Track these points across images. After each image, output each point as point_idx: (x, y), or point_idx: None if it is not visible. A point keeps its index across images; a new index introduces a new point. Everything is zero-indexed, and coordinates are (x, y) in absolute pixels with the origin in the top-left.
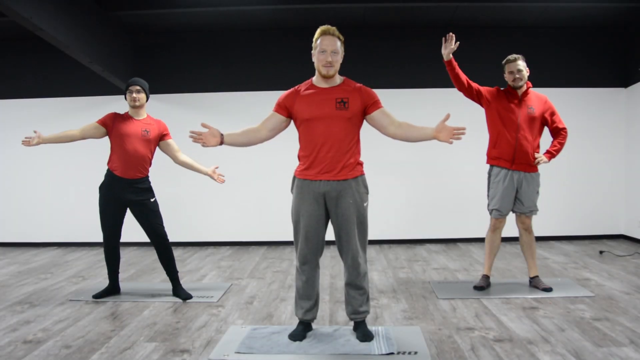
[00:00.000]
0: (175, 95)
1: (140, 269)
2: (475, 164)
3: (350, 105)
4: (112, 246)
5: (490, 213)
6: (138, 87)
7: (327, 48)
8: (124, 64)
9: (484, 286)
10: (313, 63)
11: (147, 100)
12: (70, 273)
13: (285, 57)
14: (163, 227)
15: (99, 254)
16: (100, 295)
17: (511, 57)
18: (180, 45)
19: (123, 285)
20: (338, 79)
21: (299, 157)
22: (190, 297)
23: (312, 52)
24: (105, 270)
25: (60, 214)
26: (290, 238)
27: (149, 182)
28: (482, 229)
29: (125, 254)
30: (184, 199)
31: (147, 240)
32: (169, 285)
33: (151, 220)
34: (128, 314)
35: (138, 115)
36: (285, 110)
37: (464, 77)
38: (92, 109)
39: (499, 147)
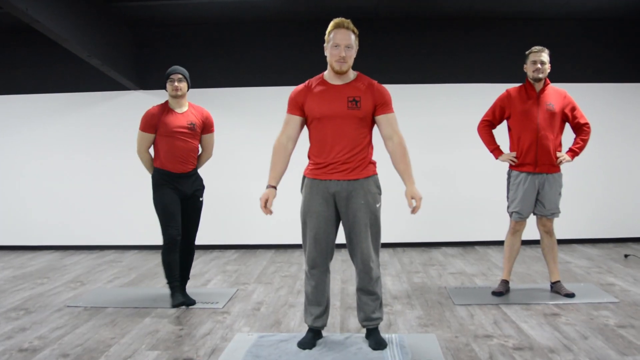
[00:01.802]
0: None
1: (142, 273)
2: (494, 163)
3: (363, 105)
4: (176, 241)
5: (510, 215)
6: (180, 76)
7: (340, 42)
8: (124, 58)
9: (503, 292)
10: (324, 57)
11: (188, 89)
12: (68, 278)
13: (294, 51)
14: (196, 232)
15: (99, 258)
16: (180, 303)
17: (536, 47)
18: (183, 38)
19: (122, 290)
20: (351, 75)
21: (309, 156)
22: (194, 302)
23: (325, 45)
24: (104, 275)
25: (58, 215)
26: (300, 241)
27: (201, 178)
28: (501, 231)
29: (125, 258)
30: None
31: (148, 243)
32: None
33: (193, 220)
34: (129, 321)
35: (180, 106)
36: (300, 109)
37: (492, 135)
38: (91, 105)
39: (520, 151)
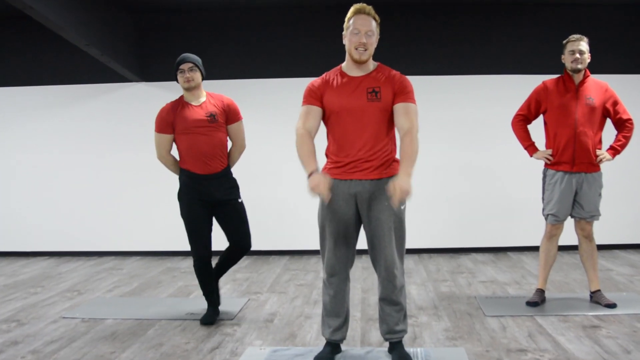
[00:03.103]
0: None
1: (144, 282)
2: (529, 161)
3: (383, 95)
4: (206, 260)
5: (546, 218)
6: (190, 64)
7: (361, 28)
8: (125, 48)
9: (538, 302)
10: (340, 47)
11: (203, 78)
12: (64, 287)
13: (310, 39)
14: (249, 237)
15: (97, 265)
16: (210, 321)
17: (575, 36)
18: (189, 25)
19: (123, 300)
20: (371, 65)
21: (327, 154)
22: (218, 304)
23: (344, 33)
24: (103, 284)
25: (53, 218)
26: (317, 246)
27: (234, 178)
28: (537, 236)
29: (126, 265)
30: None
31: (151, 249)
32: (177, 301)
33: (236, 224)
34: (130, 334)
35: (195, 98)
36: (319, 99)
37: (527, 130)
38: (89, 98)
39: (557, 149)
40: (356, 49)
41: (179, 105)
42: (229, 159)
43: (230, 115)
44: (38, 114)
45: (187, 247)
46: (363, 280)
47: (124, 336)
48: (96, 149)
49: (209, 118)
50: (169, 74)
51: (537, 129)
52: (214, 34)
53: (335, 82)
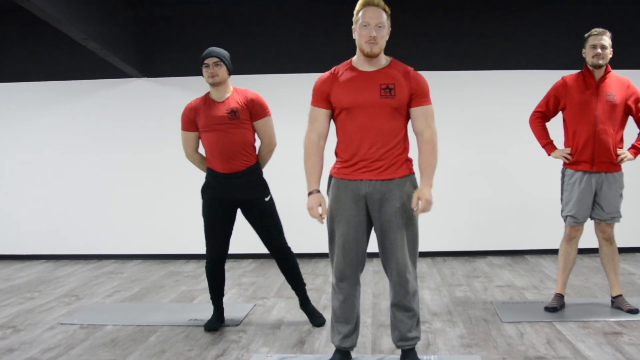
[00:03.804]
0: (187, 78)
1: (145, 286)
2: (547, 160)
3: (397, 93)
4: (218, 262)
5: (565, 220)
6: (215, 59)
7: (370, 21)
8: (125, 42)
9: (557, 307)
10: (349, 41)
11: (229, 74)
12: (62, 291)
13: (320, 33)
14: (281, 234)
15: (96, 269)
16: (213, 327)
17: (596, 30)
18: (193, 18)
19: (123, 305)
20: (384, 60)
21: (336, 153)
22: (324, 322)
23: (353, 27)
24: (103, 288)
25: (50, 220)
26: (325, 249)
27: (261, 175)
28: (555, 238)
29: (127, 269)
30: (195, 204)
31: (153, 252)
32: (179, 306)
33: (265, 225)
34: (131, 340)
35: (220, 93)
36: (326, 100)
37: (545, 128)
38: (87, 95)
39: (575, 147)
40: (366, 42)
41: (204, 102)
42: (258, 158)
43: (255, 110)
44: (34, 111)
45: (189, 250)
46: (374, 285)
47: (125, 343)
48: (95, 148)
49: (229, 114)
50: (171, 69)
51: (555, 127)
52: (218, 27)
53: (344, 76)
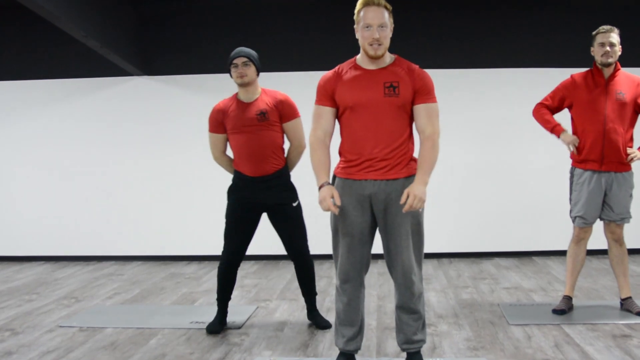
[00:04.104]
0: (189, 76)
1: (146, 288)
2: (556, 160)
3: (402, 91)
4: (233, 265)
5: (573, 221)
6: (244, 59)
7: (372, 22)
8: (126, 39)
9: (565, 309)
10: (352, 39)
11: (258, 74)
12: (61, 294)
13: (324, 30)
14: (304, 241)
15: (96, 271)
16: (216, 329)
17: (604, 27)
18: (195, 15)
19: (123, 308)
20: (388, 58)
21: (340, 152)
22: (329, 326)
23: (355, 27)
24: (103, 291)
25: (49, 221)
26: (329, 250)
27: (289, 179)
28: (564, 239)
29: (127, 271)
30: (196, 205)
31: (153, 254)
32: (181, 308)
33: (290, 230)
34: (131, 344)
35: (248, 94)
36: (330, 98)
37: (549, 113)
38: (87, 93)
39: (584, 146)
40: (370, 44)
41: (231, 102)
42: (287, 161)
43: (284, 112)
44: (32, 111)
45: (191, 252)
46: (379, 287)
47: (125, 346)
48: (94, 148)
49: (258, 116)
50: (173, 67)
51: (564, 125)
52: (222, 24)
53: (348, 75)
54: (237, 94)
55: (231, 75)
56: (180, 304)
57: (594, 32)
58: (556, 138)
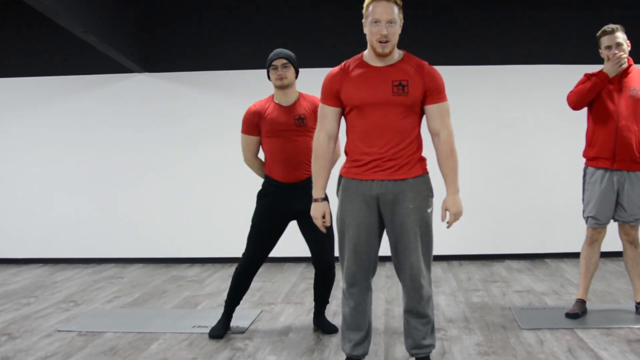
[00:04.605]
0: (191, 73)
1: (147, 292)
2: (568, 161)
3: (411, 90)
4: (251, 270)
5: (586, 222)
6: (284, 61)
7: (381, 17)
8: (126, 35)
9: (578, 313)
10: (360, 34)
11: (297, 76)
12: (59, 297)
13: (330, 26)
14: (332, 250)
15: (95, 273)
16: (219, 334)
17: (608, 27)
18: (198, 10)
19: (123, 311)
20: (396, 54)
21: (347, 152)
22: (335, 330)
23: (363, 22)
24: (102, 294)
25: (47, 222)
26: (335, 253)
27: None
28: (577, 241)
29: (128, 274)
30: (198, 206)
31: (154, 256)
32: (183, 312)
33: (319, 238)
34: (132, 349)
35: (286, 97)
36: (336, 97)
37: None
38: (86, 91)
39: (596, 143)
40: (378, 40)
41: (268, 104)
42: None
43: None
44: (29, 108)
45: (193, 254)
46: (387, 290)
47: (125, 351)
48: (93, 147)
49: (297, 121)
50: (174, 64)
51: (577, 123)
52: (225, 19)
53: (355, 72)
54: (272, 95)
55: (269, 78)
56: (182, 307)
57: (597, 34)
58: (608, 77)
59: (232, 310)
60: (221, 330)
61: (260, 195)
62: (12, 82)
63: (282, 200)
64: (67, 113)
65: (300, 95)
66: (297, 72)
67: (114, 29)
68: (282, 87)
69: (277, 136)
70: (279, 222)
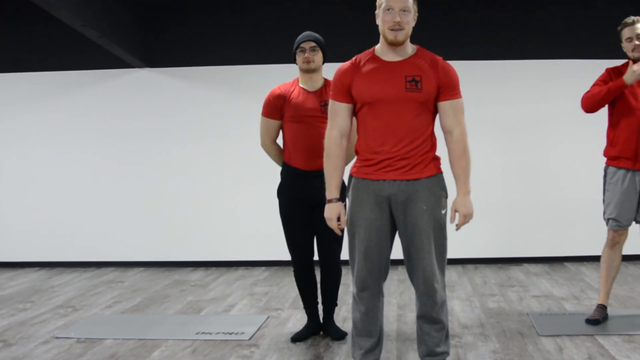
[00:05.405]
0: (193, 68)
1: (149, 296)
2: (588, 160)
3: (424, 85)
4: (306, 268)
5: (607, 224)
6: (312, 44)
7: (394, 5)
8: (126, 29)
9: (599, 319)
10: (376, 28)
11: (324, 62)
12: (57, 302)
13: (340, 19)
14: (340, 247)
15: (94, 277)
16: (301, 337)
17: (629, 19)
18: (200, 4)
19: (124, 317)
20: (409, 49)
21: (357, 150)
22: (344, 336)
23: (376, 12)
24: (102, 299)
25: (44, 224)
26: (345, 256)
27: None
28: (597, 244)
29: (128, 278)
30: (202, 206)
31: (156, 259)
32: (185, 318)
33: (330, 232)
34: (133, 356)
35: (312, 82)
36: (347, 93)
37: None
38: (85, 86)
39: (618, 142)
40: (390, 28)
41: (293, 88)
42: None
43: None
44: (27, 105)
45: (196, 257)
46: (399, 295)
47: (125, 358)
48: (93, 145)
49: (323, 107)
50: (176, 59)
51: (598, 122)
52: (229, 13)
53: (366, 68)
54: (297, 79)
55: (295, 61)
56: (185, 313)
57: (618, 28)
58: (625, 85)
59: (315, 311)
60: (301, 335)
61: (280, 190)
62: (9, 77)
63: (302, 190)
64: (65, 110)
65: (326, 82)
66: (325, 57)
67: (115, 23)
68: (308, 70)
69: (301, 122)
70: (306, 213)
